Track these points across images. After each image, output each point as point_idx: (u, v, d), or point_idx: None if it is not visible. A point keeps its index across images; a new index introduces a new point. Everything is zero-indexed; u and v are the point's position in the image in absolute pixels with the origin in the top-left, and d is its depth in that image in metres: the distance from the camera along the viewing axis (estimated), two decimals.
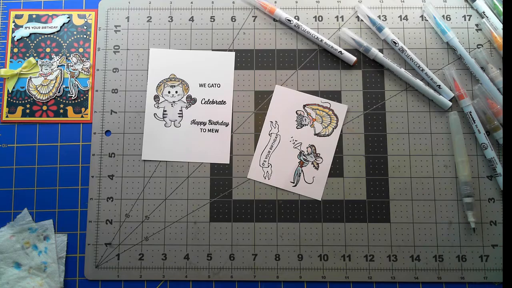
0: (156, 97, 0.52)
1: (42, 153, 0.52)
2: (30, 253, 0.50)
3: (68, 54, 0.53)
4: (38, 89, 0.52)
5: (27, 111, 0.52)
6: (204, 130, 0.52)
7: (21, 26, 0.54)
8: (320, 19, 0.53)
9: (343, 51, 0.52)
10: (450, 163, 0.50)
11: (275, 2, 0.54)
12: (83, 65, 0.53)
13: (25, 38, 0.53)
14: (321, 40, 0.52)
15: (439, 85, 0.51)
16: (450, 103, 0.51)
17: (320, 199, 0.50)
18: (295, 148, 0.51)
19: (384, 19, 0.53)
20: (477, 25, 0.53)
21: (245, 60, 0.53)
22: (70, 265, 0.50)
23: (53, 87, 0.52)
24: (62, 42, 0.53)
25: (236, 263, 0.49)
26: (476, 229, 0.49)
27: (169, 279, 0.49)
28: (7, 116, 0.52)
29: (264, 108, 0.52)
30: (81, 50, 0.53)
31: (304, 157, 0.51)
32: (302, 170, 0.51)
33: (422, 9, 0.53)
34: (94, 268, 0.50)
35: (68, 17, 0.54)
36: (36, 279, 0.49)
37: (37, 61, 0.53)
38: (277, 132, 0.51)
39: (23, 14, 0.54)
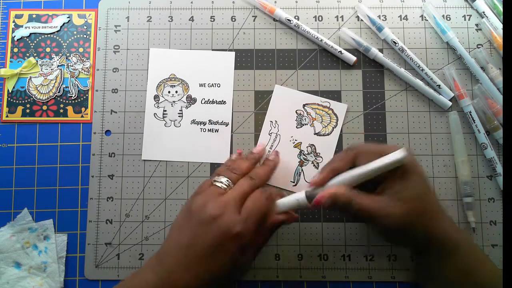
0: (156, 97, 0.52)
1: (42, 153, 0.52)
2: (30, 252, 0.50)
3: (68, 54, 0.53)
4: (38, 89, 0.52)
5: (27, 111, 0.52)
6: (204, 130, 0.52)
7: (21, 26, 0.54)
8: (320, 19, 0.53)
9: (343, 51, 0.52)
10: (450, 163, 0.50)
11: (275, 2, 0.54)
12: (83, 65, 0.53)
13: (25, 38, 0.53)
14: (321, 40, 0.52)
15: (439, 85, 0.51)
16: (450, 103, 0.51)
17: None
18: (295, 147, 0.51)
19: (384, 19, 0.53)
20: (477, 25, 0.53)
21: (245, 60, 0.53)
22: (70, 264, 0.50)
23: (53, 87, 0.52)
24: (62, 42, 0.53)
25: None
26: (476, 229, 0.49)
27: None
28: (7, 116, 0.52)
29: (264, 108, 0.52)
30: (81, 50, 0.53)
31: (304, 156, 0.51)
32: (302, 169, 0.51)
33: (422, 9, 0.53)
34: (94, 267, 0.50)
35: (68, 17, 0.54)
36: (36, 279, 0.49)
37: (37, 61, 0.53)
38: (277, 132, 0.51)
39: (23, 14, 0.54)
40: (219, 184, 0.42)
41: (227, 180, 0.42)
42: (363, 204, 0.39)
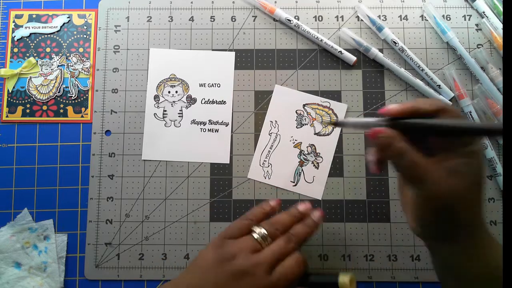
0: (156, 97, 0.52)
1: (42, 153, 0.52)
2: (30, 253, 0.50)
3: (68, 54, 0.53)
4: (38, 89, 0.52)
5: (27, 111, 0.52)
6: (204, 130, 0.52)
7: (21, 26, 0.54)
8: (320, 19, 0.53)
9: (343, 51, 0.52)
10: None
11: (275, 2, 0.54)
12: (83, 65, 0.53)
13: (25, 38, 0.53)
14: (321, 40, 0.52)
15: (439, 85, 0.51)
16: (450, 103, 0.51)
17: (320, 199, 0.50)
18: (295, 147, 0.51)
19: (384, 19, 0.53)
20: (477, 25, 0.53)
21: (245, 60, 0.53)
22: (70, 265, 0.50)
23: (53, 87, 0.52)
24: (62, 42, 0.53)
25: None
26: None
27: (169, 279, 0.49)
28: (7, 116, 0.52)
29: (264, 108, 0.52)
30: (81, 50, 0.53)
31: (304, 156, 0.51)
32: (302, 169, 0.51)
33: (422, 9, 0.53)
34: (94, 267, 0.50)
35: (68, 17, 0.54)
36: (36, 279, 0.49)
37: (37, 61, 0.53)
38: (277, 132, 0.51)
39: (23, 14, 0.54)
40: (256, 237, 0.41)
41: (266, 234, 0.41)
42: (416, 161, 0.35)
